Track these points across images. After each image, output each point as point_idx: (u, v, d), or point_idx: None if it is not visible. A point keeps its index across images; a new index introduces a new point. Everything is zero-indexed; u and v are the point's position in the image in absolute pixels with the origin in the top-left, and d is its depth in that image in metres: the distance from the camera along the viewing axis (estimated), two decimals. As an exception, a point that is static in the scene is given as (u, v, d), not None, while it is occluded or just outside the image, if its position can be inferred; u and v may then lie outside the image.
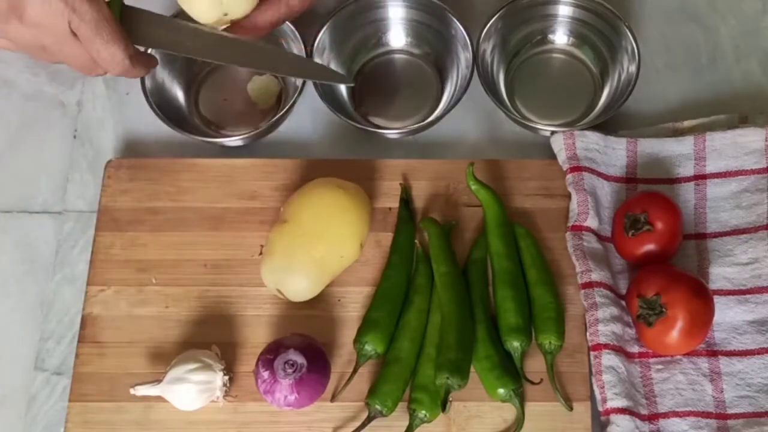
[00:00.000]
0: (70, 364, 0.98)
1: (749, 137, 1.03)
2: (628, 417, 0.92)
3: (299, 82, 1.06)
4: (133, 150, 1.09)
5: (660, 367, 0.96)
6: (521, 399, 0.93)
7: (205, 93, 1.12)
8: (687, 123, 1.07)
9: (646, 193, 1.00)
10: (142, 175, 1.05)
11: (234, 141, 1.07)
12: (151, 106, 1.05)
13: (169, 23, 0.93)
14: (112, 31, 0.85)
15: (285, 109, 1.06)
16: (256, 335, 0.98)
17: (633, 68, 1.06)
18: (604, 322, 0.95)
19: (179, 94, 1.11)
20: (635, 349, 0.97)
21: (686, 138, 1.04)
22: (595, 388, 0.94)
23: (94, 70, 0.89)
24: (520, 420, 0.93)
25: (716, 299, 0.95)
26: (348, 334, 0.98)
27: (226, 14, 0.92)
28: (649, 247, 0.97)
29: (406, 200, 1.04)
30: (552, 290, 0.98)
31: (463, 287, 0.98)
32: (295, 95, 1.05)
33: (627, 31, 1.07)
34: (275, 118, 1.06)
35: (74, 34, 0.85)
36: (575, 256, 0.98)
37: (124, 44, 0.87)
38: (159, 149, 1.08)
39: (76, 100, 1.13)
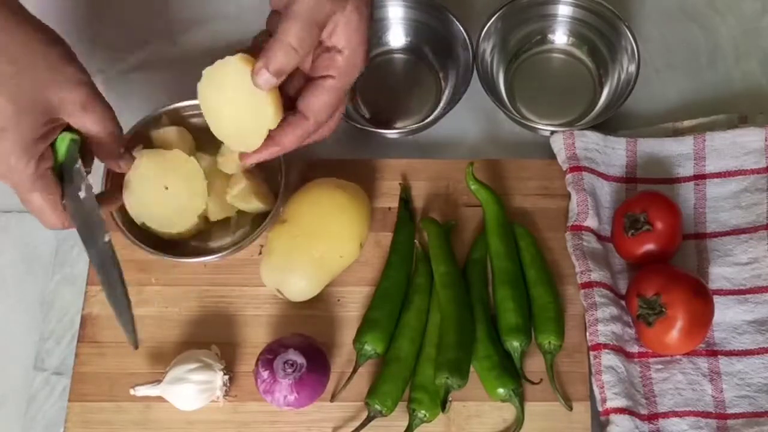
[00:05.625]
0: (69, 364, 0.98)
1: (749, 137, 1.03)
2: (627, 417, 0.92)
3: None
4: (132, 150, 1.09)
5: (660, 366, 0.96)
6: (521, 399, 0.93)
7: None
8: (687, 123, 1.07)
9: (646, 193, 1.00)
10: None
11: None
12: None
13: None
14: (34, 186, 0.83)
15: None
16: (256, 335, 0.98)
17: (633, 68, 1.06)
18: (604, 322, 0.95)
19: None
20: (635, 348, 0.97)
21: (686, 138, 1.04)
22: (594, 387, 0.94)
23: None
24: (519, 420, 0.93)
25: (716, 299, 0.95)
26: (348, 333, 0.98)
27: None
28: (649, 246, 0.97)
29: (405, 200, 1.04)
30: (552, 290, 0.98)
31: (462, 287, 0.98)
32: None
33: (627, 31, 1.07)
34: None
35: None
36: (575, 256, 0.98)
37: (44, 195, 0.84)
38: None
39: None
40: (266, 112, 0.87)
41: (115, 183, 0.98)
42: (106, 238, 0.86)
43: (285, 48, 0.84)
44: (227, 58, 0.86)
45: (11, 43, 0.80)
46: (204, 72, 0.88)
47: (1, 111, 0.79)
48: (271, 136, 0.89)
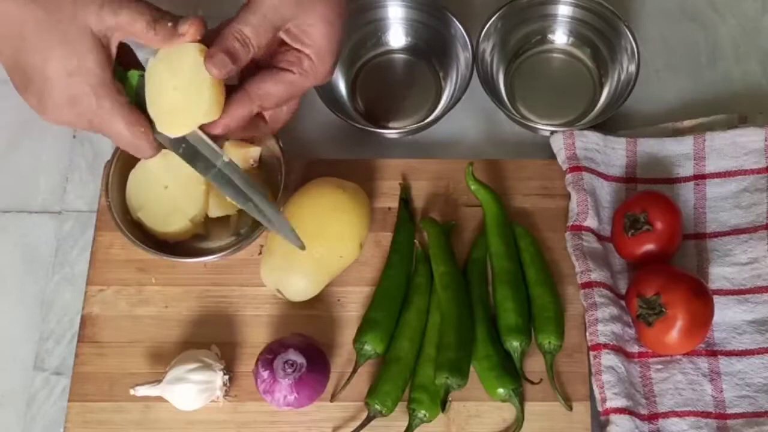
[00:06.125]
0: (69, 364, 0.98)
1: (749, 137, 1.03)
2: (627, 417, 0.92)
3: None
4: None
5: (659, 366, 0.96)
6: (521, 399, 0.93)
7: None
8: (687, 123, 1.07)
9: (646, 193, 1.00)
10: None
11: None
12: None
13: None
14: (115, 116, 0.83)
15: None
16: (256, 335, 0.98)
17: (633, 68, 1.06)
18: (604, 322, 0.95)
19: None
20: (635, 348, 0.97)
21: (686, 138, 1.04)
22: (594, 388, 0.94)
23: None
24: (519, 420, 0.93)
25: (716, 299, 0.95)
26: (347, 333, 0.98)
27: None
28: (649, 246, 0.97)
29: (405, 200, 1.04)
30: (551, 290, 0.98)
31: (462, 287, 0.98)
32: None
33: (627, 31, 1.07)
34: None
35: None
36: (575, 256, 0.98)
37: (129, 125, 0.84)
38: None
39: (75, 100, 1.13)
40: (202, 104, 0.85)
41: (119, 179, 0.99)
42: (225, 159, 0.87)
43: (239, 36, 0.84)
44: (186, 44, 0.85)
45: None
46: (161, 51, 0.87)
47: (61, 55, 0.80)
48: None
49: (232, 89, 0.87)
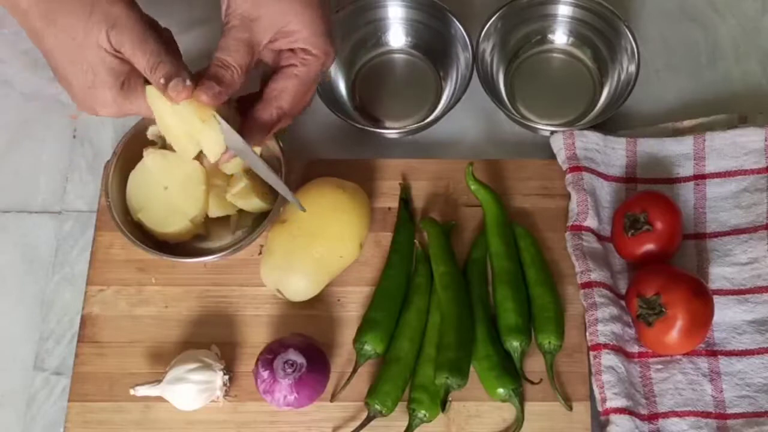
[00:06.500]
0: (69, 364, 0.98)
1: (749, 137, 1.03)
2: (627, 417, 0.92)
3: None
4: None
5: (659, 366, 0.96)
6: (521, 399, 0.93)
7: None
8: (687, 123, 1.07)
9: (646, 193, 1.00)
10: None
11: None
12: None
13: None
14: (145, 33, 0.86)
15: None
16: (256, 335, 0.98)
17: (632, 68, 1.06)
18: (604, 322, 0.95)
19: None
20: (635, 348, 0.97)
21: (686, 138, 1.04)
22: (594, 388, 0.94)
23: (123, 104, 0.89)
24: (519, 420, 0.93)
25: (716, 299, 0.95)
26: (347, 333, 0.98)
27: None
28: (649, 246, 0.97)
29: (405, 200, 1.04)
30: (551, 290, 0.98)
31: (462, 287, 0.98)
32: None
33: (627, 31, 1.07)
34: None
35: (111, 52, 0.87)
36: (575, 256, 0.98)
37: (157, 44, 0.87)
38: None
39: (75, 99, 1.13)
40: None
41: (119, 180, 0.99)
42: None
43: (218, 62, 0.88)
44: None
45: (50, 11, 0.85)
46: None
47: (78, 71, 0.86)
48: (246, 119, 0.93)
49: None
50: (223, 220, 1.01)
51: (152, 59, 0.86)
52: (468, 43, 1.07)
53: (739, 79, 1.12)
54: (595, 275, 0.97)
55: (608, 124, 1.06)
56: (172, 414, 0.95)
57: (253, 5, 0.88)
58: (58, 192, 1.08)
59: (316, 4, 0.90)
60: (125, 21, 0.85)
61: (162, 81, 0.86)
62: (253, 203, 0.99)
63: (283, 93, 0.92)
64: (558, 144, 1.03)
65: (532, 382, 0.95)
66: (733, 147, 1.03)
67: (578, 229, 1.00)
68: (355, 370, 0.95)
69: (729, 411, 0.94)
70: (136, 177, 0.99)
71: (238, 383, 0.97)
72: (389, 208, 1.04)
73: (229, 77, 0.88)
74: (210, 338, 0.98)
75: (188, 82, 0.86)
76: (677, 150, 1.04)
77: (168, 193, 0.98)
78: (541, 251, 1.01)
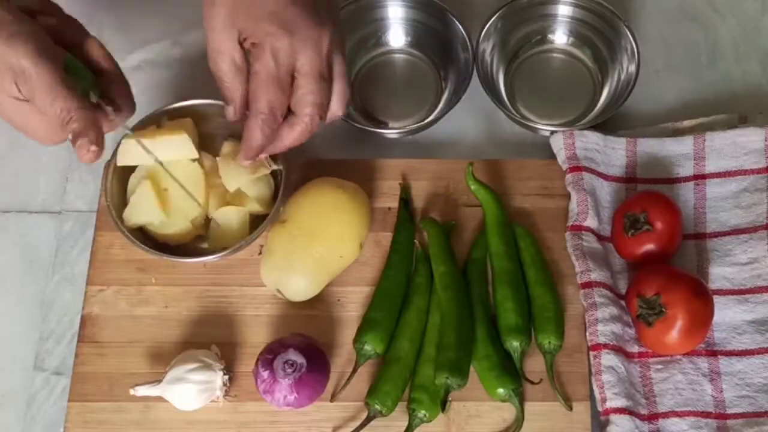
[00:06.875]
0: (69, 364, 0.98)
1: (749, 137, 1.03)
2: (627, 417, 0.92)
3: None
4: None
5: (659, 366, 0.96)
6: (521, 399, 0.93)
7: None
8: (687, 123, 1.07)
9: (646, 193, 1.00)
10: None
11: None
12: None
13: None
14: (55, 88, 0.82)
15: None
16: (256, 335, 0.98)
17: (632, 68, 1.06)
18: (604, 322, 0.95)
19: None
20: (635, 348, 0.97)
21: (686, 138, 1.04)
22: (594, 388, 0.94)
23: (56, 135, 0.85)
24: (519, 420, 0.93)
25: (716, 299, 0.95)
26: (347, 333, 0.98)
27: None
28: (649, 246, 0.97)
29: (405, 200, 1.04)
30: (551, 290, 0.98)
31: (462, 287, 0.98)
32: None
33: (627, 31, 1.07)
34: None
35: (23, 99, 0.83)
36: (575, 256, 0.98)
37: (66, 100, 0.83)
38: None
39: (75, 100, 1.13)
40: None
41: (119, 180, 0.99)
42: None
43: (215, 74, 0.88)
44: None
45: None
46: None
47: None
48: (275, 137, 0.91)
49: None
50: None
51: (62, 115, 0.82)
52: (468, 43, 1.07)
53: (739, 79, 1.12)
54: (595, 275, 0.97)
55: (608, 124, 1.06)
56: (172, 414, 0.95)
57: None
58: (58, 192, 1.08)
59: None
60: (32, 73, 0.81)
61: (71, 137, 0.83)
62: (253, 204, 0.99)
63: (253, 96, 0.88)
64: (558, 144, 1.03)
65: (532, 382, 0.95)
66: (733, 147, 1.03)
67: (578, 229, 1.00)
68: (355, 370, 0.95)
69: (729, 411, 0.94)
70: (135, 180, 0.99)
71: (238, 383, 0.97)
72: (389, 208, 1.04)
73: (229, 76, 0.88)
74: (210, 338, 0.98)
75: (93, 147, 0.83)
76: (677, 150, 1.04)
77: (168, 195, 0.98)
78: (541, 251, 1.01)
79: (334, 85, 0.91)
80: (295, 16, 0.86)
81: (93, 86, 0.86)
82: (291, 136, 0.91)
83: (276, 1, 0.86)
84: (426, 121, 1.07)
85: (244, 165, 0.93)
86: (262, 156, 0.93)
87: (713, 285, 0.98)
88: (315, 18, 0.87)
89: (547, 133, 1.06)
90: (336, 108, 0.92)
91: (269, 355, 0.92)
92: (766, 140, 1.02)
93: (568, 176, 1.02)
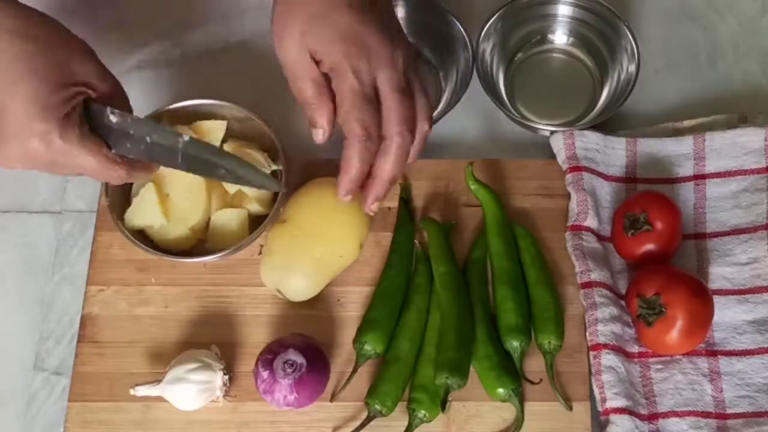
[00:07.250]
0: (69, 364, 0.98)
1: (749, 137, 1.03)
2: (627, 417, 0.92)
3: None
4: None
5: (659, 366, 0.96)
6: (521, 399, 0.93)
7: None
8: (686, 123, 1.07)
9: (646, 193, 1.00)
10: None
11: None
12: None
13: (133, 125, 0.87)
14: (82, 146, 0.84)
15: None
16: (256, 335, 0.98)
17: (632, 68, 1.06)
18: (604, 322, 0.95)
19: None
20: (635, 348, 0.97)
21: (686, 138, 1.04)
22: (594, 387, 0.94)
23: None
24: (519, 420, 0.93)
25: (716, 299, 0.95)
26: (347, 333, 0.98)
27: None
28: (649, 246, 0.97)
29: (405, 200, 1.04)
30: (551, 290, 0.98)
31: (462, 287, 0.98)
32: None
33: (626, 31, 1.07)
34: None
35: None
36: (575, 256, 0.98)
37: (95, 151, 0.84)
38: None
39: (75, 100, 1.13)
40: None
41: (118, 190, 0.99)
42: (186, 138, 0.87)
43: (296, 92, 0.87)
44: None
45: (31, 26, 0.82)
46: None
47: (27, 83, 0.80)
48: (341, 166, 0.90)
49: None
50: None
51: (102, 174, 0.86)
52: (468, 43, 1.07)
53: (739, 79, 1.12)
54: (595, 275, 0.97)
55: (608, 124, 1.06)
56: (172, 414, 0.95)
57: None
58: (58, 192, 1.08)
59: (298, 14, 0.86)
60: (67, 128, 0.82)
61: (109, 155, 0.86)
62: (253, 205, 0.99)
63: (344, 121, 0.87)
64: (558, 144, 1.03)
65: (532, 382, 0.95)
66: (733, 147, 1.03)
67: (578, 229, 1.00)
68: (355, 370, 0.95)
69: (729, 411, 0.94)
70: (137, 187, 0.99)
71: (238, 383, 0.97)
72: (389, 208, 1.04)
73: (310, 93, 0.88)
74: (210, 338, 0.98)
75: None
76: (677, 150, 1.04)
77: (169, 200, 0.98)
78: (541, 251, 1.01)
79: (416, 101, 0.90)
80: (368, 36, 0.86)
81: None
82: (387, 163, 0.89)
83: (348, 22, 0.85)
84: (426, 121, 1.07)
85: (345, 200, 0.91)
86: (352, 191, 0.91)
87: (713, 285, 0.98)
88: (387, 36, 0.87)
89: (547, 133, 1.06)
90: (422, 124, 0.91)
91: (269, 355, 0.92)
92: (766, 140, 1.02)
93: (568, 176, 1.02)
